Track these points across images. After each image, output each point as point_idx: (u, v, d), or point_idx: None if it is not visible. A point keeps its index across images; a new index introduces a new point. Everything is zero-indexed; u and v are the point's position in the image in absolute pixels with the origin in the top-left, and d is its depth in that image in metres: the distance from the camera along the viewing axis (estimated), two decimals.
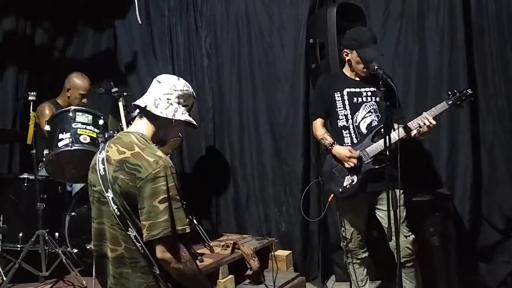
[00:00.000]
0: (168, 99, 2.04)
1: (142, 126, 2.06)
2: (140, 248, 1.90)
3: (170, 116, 2.03)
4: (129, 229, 1.90)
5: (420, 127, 3.11)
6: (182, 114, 2.06)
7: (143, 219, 1.85)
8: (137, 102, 2.08)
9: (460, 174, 3.79)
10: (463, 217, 3.76)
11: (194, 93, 2.16)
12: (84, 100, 4.04)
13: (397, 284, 2.79)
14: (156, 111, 2.02)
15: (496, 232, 3.73)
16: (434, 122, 3.09)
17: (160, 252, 1.85)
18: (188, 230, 1.89)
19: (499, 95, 3.69)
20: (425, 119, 3.10)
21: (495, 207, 3.74)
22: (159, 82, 2.09)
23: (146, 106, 2.03)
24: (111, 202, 1.91)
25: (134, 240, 1.90)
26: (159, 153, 1.93)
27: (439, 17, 3.83)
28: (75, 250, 3.43)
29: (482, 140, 3.80)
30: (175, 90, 2.06)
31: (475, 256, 3.78)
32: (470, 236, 3.77)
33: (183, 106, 2.08)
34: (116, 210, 1.90)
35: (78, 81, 4.03)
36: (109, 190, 1.92)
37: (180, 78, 2.13)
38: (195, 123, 2.12)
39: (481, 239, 3.79)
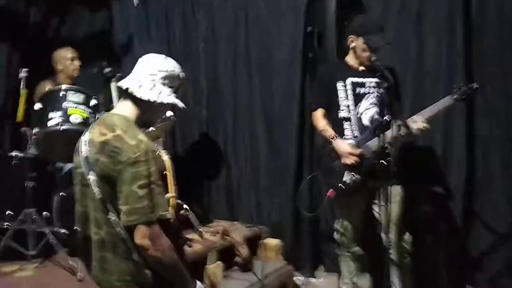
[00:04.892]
0: (152, 80, 1.97)
1: (126, 108, 2.00)
2: (119, 233, 1.86)
3: (153, 99, 1.95)
4: (109, 212, 1.86)
5: (410, 129, 2.98)
6: (167, 96, 1.99)
7: (122, 203, 1.81)
8: (119, 83, 2.01)
9: (454, 170, 3.77)
10: (454, 213, 3.75)
11: (183, 74, 2.07)
12: (77, 62, 4.11)
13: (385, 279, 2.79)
14: (139, 93, 1.95)
15: (487, 229, 3.72)
16: (427, 126, 2.98)
17: (139, 238, 1.80)
18: (169, 216, 1.85)
19: (495, 93, 3.66)
20: (414, 122, 2.98)
21: (487, 204, 3.72)
22: (144, 62, 2.03)
23: (128, 88, 1.97)
24: (93, 184, 1.87)
25: (114, 225, 1.86)
26: (141, 136, 1.88)
27: (438, 14, 3.79)
28: (63, 230, 3.39)
29: (477, 136, 3.77)
30: (160, 71, 1.99)
31: (465, 252, 3.78)
32: (461, 232, 3.76)
33: (168, 87, 2.01)
34: (97, 193, 1.86)
35: (60, 52, 4.12)
36: (91, 172, 1.88)
37: (168, 58, 2.05)
38: (181, 105, 2.04)
39: (472, 235, 3.77)
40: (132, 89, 1.96)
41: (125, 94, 2.01)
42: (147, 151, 1.83)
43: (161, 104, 1.98)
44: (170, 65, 2.03)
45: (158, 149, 2.02)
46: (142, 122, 2.04)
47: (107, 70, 3.62)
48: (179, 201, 2.00)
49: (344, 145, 3.12)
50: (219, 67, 4.77)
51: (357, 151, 3.09)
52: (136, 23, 5.17)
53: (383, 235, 2.90)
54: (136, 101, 1.98)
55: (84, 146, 1.93)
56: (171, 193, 1.93)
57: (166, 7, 5.04)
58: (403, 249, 3.21)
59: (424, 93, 3.84)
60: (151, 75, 1.98)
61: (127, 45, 5.18)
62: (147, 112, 2.02)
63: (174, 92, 2.03)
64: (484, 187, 3.75)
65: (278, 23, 4.41)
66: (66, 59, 4.07)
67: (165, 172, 1.93)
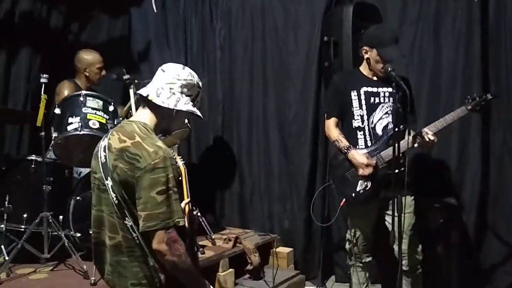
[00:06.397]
0: (171, 88, 2.01)
1: (145, 116, 2.04)
2: (136, 238, 1.89)
3: (171, 106, 1.99)
4: (126, 218, 1.89)
5: (419, 140, 3.00)
6: (185, 104, 2.02)
7: (140, 210, 1.84)
8: (140, 91, 2.06)
9: (468, 182, 3.77)
10: (468, 225, 3.74)
11: (200, 83, 2.11)
12: (103, 72, 4.07)
13: None
14: (157, 101, 1.99)
15: (500, 242, 3.70)
16: (432, 138, 2.99)
17: (156, 243, 1.83)
18: (182, 223, 1.88)
19: (510, 104, 3.65)
20: (425, 134, 2.99)
21: (500, 217, 3.72)
22: (163, 71, 2.06)
23: (148, 96, 2.01)
24: (110, 190, 1.91)
25: (131, 230, 1.89)
26: (160, 143, 1.91)
27: (456, 23, 3.79)
28: (78, 234, 3.45)
29: (491, 149, 3.76)
30: (178, 80, 2.03)
31: (478, 265, 3.76)
32: (474, 245, 3.75)
33: (186, 96, 2.04)
34: (114, 199, 1.90)
35: (90, 57, 4.04)
36: (108, 178, 1.91)
37: (186, 67, 2.09)
38: (199, 113, 2.09)
39: (485, 248, 3.77)
40: (151, 96, 2.00)
41: (144, 101, 2.06)
42: (166, 158, 1.86)
43: (179, 111, 2.03)
44: (188, 74, 2.07)
45: (174, 155, 2.06)
46: (161, 129, 2.09)
47: (126, 76, 3.67)
48: (192, 207, 2.04)
49: (361, 157, 3.10)
50: (235, 75, 4.80)
51: (373, 161, 3.09)
52: (154, 30, 5.22)
53: (395, 246, 2.89)
54: (155, 108, 2.03)
55: (103, 152, 1.97)
56: (186, 198, 1.97)
57: (184, 14, 5.09)
58: (415, 260, 3.19)
59: (440, 102, 3.85)
60: (169, 84, 2.02)
61: (145, 52, 5.23)
62: (165, 119, 2.06)
63: (192, 101, 2.07)
64: (498, 200, 3.74)
65: (294, 32, 4.44)
66: (94, 66, 4.02)
67: (180, 178, 1.97)
